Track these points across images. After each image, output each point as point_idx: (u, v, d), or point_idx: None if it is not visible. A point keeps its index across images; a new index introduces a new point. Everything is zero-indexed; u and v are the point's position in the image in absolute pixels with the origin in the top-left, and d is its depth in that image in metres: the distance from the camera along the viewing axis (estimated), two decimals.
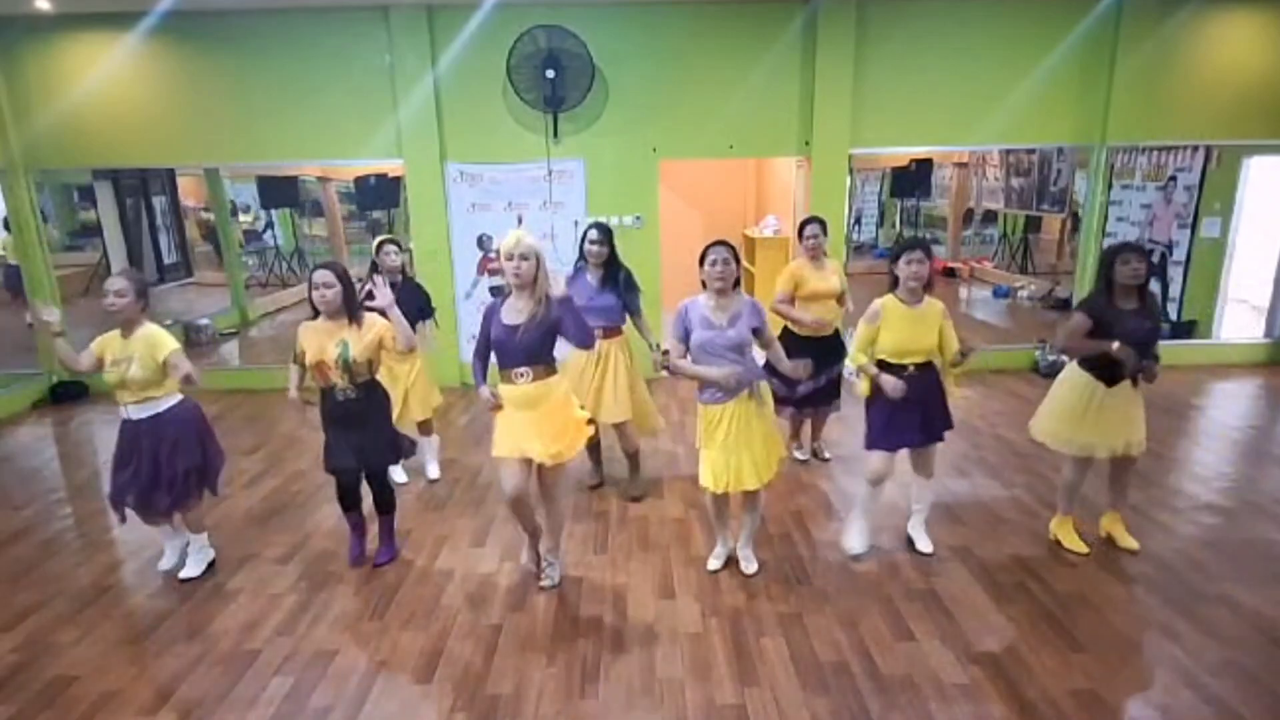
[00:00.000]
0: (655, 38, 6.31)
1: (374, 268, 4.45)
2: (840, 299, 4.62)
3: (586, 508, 4.36)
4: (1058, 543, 3.81)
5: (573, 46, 6.07)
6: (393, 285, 4.43)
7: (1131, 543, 3.75)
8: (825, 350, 4.54)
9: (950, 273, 11.00)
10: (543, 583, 3.55)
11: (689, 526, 4.15)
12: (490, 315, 3.33)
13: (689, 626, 3.25)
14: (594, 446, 4.51)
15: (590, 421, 3.59)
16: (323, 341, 3.44)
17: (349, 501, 3.72)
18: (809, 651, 3.07)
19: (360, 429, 3.54)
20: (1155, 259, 7.21)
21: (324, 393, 3.51)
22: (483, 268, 6.78)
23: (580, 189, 6.62)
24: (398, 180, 6.82)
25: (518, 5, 6.08)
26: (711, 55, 6.36)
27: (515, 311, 3.26)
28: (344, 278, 3.48)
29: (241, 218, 9.66)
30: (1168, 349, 7.21)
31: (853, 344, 3.59)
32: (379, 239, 4.51)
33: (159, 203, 8.71)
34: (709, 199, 9.58)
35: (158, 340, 3.41)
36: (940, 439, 3.66)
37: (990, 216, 10.74)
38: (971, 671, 2.92)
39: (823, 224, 4.54)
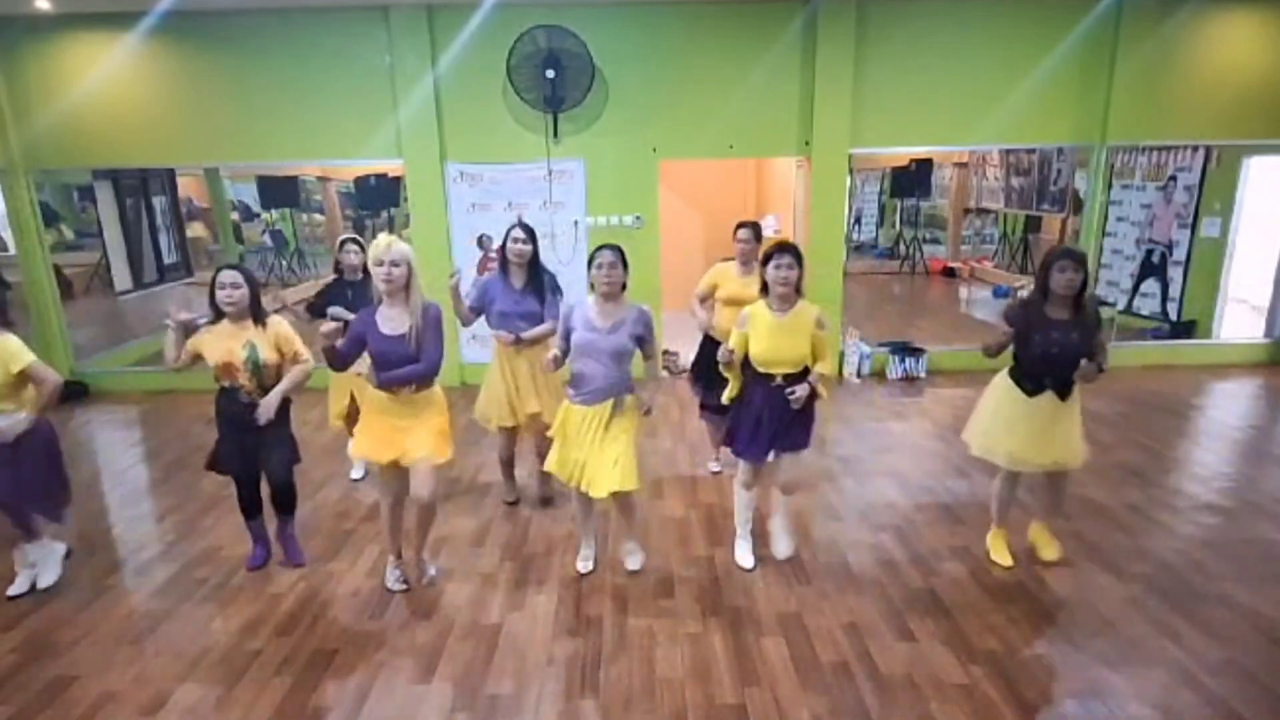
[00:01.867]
0: (655, 38, 6.31)
1: (337, 266, 4.48)
2: None
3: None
4: (987, 555, 3.72)
5: (573, 46, 6.07)
6: (353, 285, 4.43)
7: (1051, 554, 3.61)
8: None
9: (950, 272, 11.00)
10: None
11: (689, 526, 4.15)
12: (365, 326, 3.23)
13: (689, 626, 3.25)
14: (508, 461, 4.42)
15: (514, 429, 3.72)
16: (227, 344, 3.37)
17: (250, 507, 3.69)
18: (809, 651, 3.07)
19: (259, 432, 3.45)
20: (1155, 259, 7.23)
21: (225, 392, 3.46)
22: (483, 268, 6.78)
23: (580, 189, 6.62)
24: (398, 180, 6.82)
25: (518, 5, 6.08)
26: (711, 55, 6.36)
27: (391, 321, 3.20)
28: (251, 279, 3.42)
29: (265, 216, 9.66)
30: (1168, 349, 7.30)
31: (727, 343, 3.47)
32: (342, 237, 4.56)
33: (159, 203, 8.71)
34: (709, 199, 9.58)
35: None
36: (796, 449, 3.53)
37: (989, 215, 10.74)
38: (971, 671, 2.92)
39: (757, 230, 4.30)
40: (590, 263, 3.29)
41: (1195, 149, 6.73)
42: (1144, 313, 7.34)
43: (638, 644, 3.14)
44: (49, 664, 3.09)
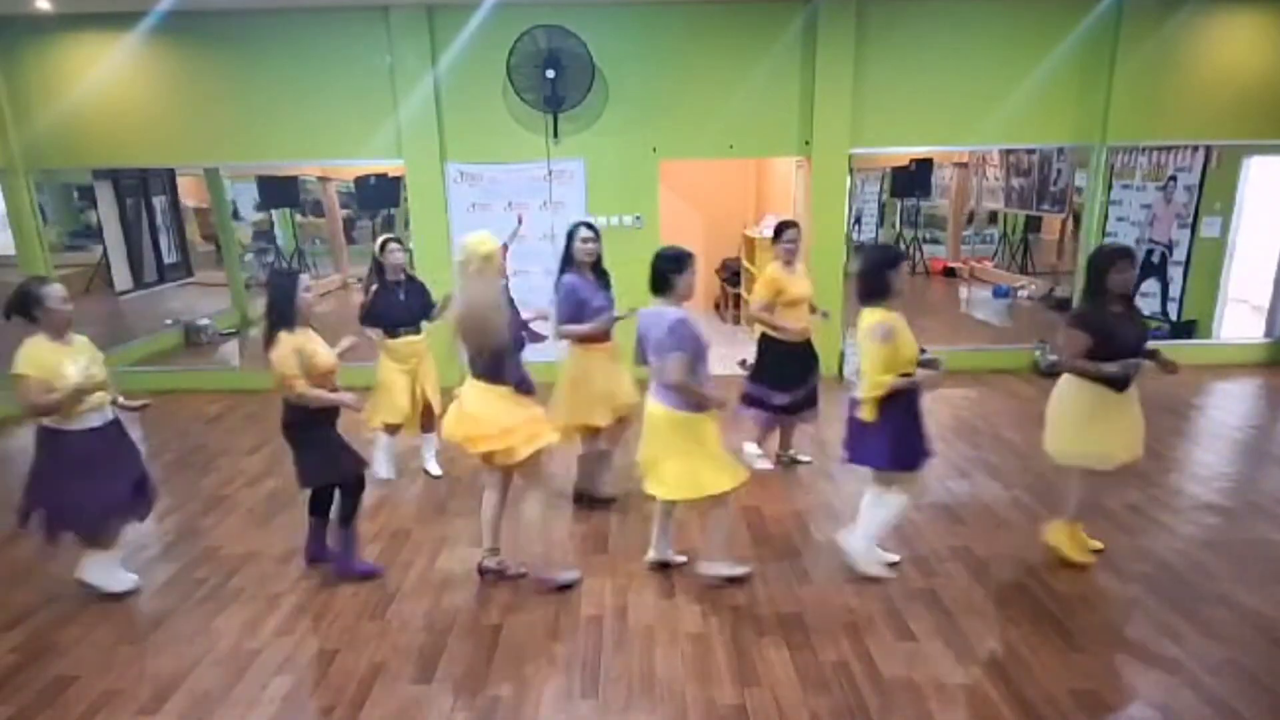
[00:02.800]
0: (655, 38, 6.31)
1: (378, 268, 4.46)
2: (812, 305, 4.60)
3: (587, 509, 4.35)
4: (1061, 556, 3.65)
5: (573, 46, 6.06)
6: (397, 284, 4.45)
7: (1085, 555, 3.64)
8: (806, 358, 4.56)
9: (950, 272, 11.01)
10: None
11: (689, 527, 4.14)
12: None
13: (689, 626, 3.25)
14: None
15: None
16: (316, 346, 3.39)
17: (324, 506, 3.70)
18: (809, 651, 3.07)
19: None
20: (1155, 259, 7.22)
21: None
22: None
23: (580, 189, 6.62)
24: (398, 180, 6.82)
25: (518, 5, 6.08)
26: (711, 55, 6.36)
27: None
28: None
29: (257, 217, 9.69)
30: (1168, 349, 7.21)
31: (873, 370, 3.18)
32: (382, 237, 4.50)
33: (159, 203, 8.72)
34: (709, 199, 9.57)
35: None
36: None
37: (990, 216, 10.76)
38: (971, 671, 2.92)
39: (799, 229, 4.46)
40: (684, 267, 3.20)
41: (1195, 149, 6.73)
42: (1144, 313, 7.31)
43: (638, 644, 3.14)
44: (49, 664, 3.09)
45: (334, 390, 3.41)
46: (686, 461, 3.23)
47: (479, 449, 3.32)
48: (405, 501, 4.52)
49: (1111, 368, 3.26)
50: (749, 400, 4.64)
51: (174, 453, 5.41)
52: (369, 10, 6.17)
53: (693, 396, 3.14)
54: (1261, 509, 4.20)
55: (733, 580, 3.52)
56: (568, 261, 4.00)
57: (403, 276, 4.47)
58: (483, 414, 3.28)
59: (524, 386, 3.35)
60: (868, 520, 3.50)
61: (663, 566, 3.66)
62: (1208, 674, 2.87)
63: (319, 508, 3.69)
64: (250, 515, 4.41)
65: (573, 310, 3.93)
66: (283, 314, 3.26)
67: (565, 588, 3.52)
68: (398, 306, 4.45)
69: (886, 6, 6.26)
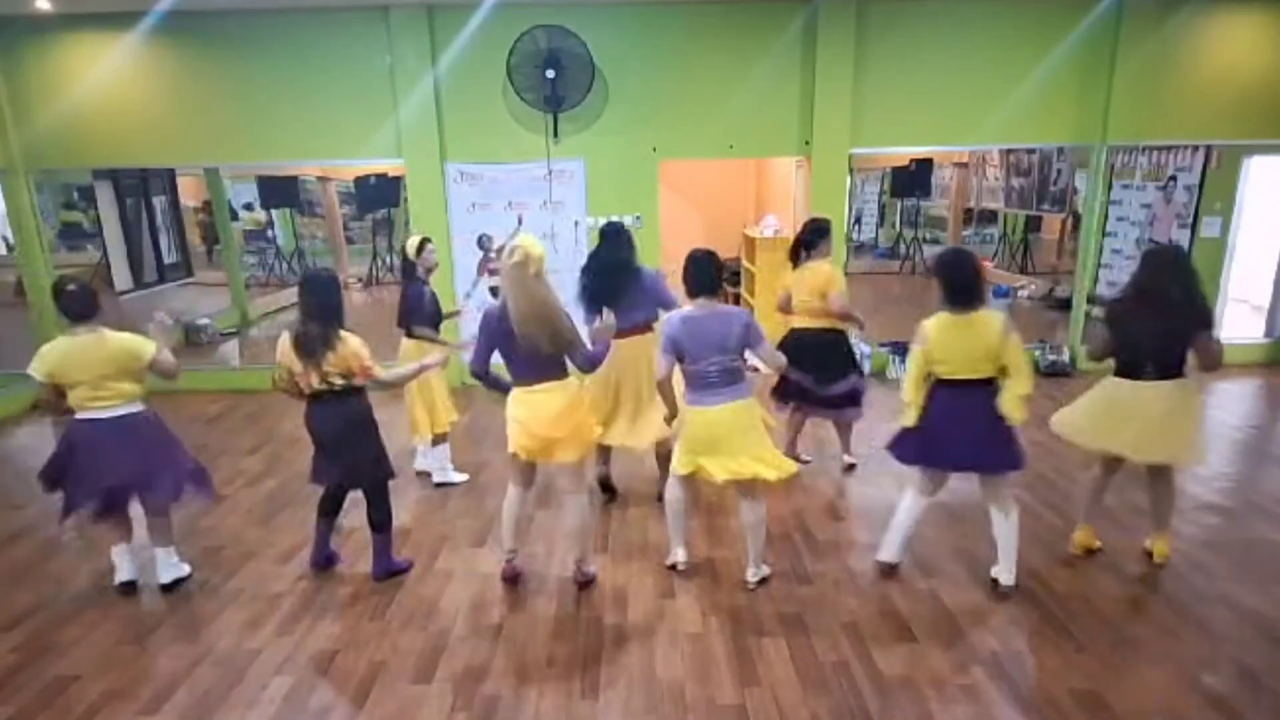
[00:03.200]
0: (655, 38, 6.31)
1: (409, 268, 4.35)
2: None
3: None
4: (1080, 549, 3.71)
5: (573, 46, 6.06)
6: (425, 285, 4.37)
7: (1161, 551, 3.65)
8: (831, 352, 4.54)
9: None
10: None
11: (689, 526, 4.14)
12: (497, 324, 3.29)
13: (689, 626, 3.25)
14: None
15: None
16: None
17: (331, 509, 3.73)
18: (809, 651, 3.07)
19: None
20: None
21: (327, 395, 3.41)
22: (483, 268, 6.78)
23: (580, 189, 6.62)
24: (398, 180, 6.82)
25: (518, 5, 6.08)
26: (711, 55, 6.36)
27: None
28: None
29: (251, 215, 9.67)
30: None
31: (1027, 365, 3.18)
32: (419, 237, 4.42)
33: (159, 203, 8.71)
34: (709, 199, 9.57)
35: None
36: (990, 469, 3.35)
37: (990, 216, 10.76)
38: (971, 671, 2.92)
39: None
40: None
41: (1195, 149, 6.72)
42: None
43: (638, 644, 3.14)
44: (49, 664, 3.09)
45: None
46: (758, 441, 3.32)
47: (561, 456, 3.37)
48: (405, 502, 4.52)
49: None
50: (786, 391, 4.63)
51: None
52: (369, 10, 6.17)
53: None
54: (1261, 509, 4.20)
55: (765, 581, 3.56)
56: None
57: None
58: (559, 417, 3.32)
59: (596, 362, 3.41)
60: (1009, 542, 3.40)
61: (671, 568, 3.68)
62: (1208, 674, 2.87)
63: (335, 508, 3.71)
64: (250, 515, 4.41)
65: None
66: (336, 313, 3.34)
67: (588, 583, 3.59)
68: (438, 313, 4.44)
69: (886, 7, 6.26)
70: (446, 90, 6.36)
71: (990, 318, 3.18)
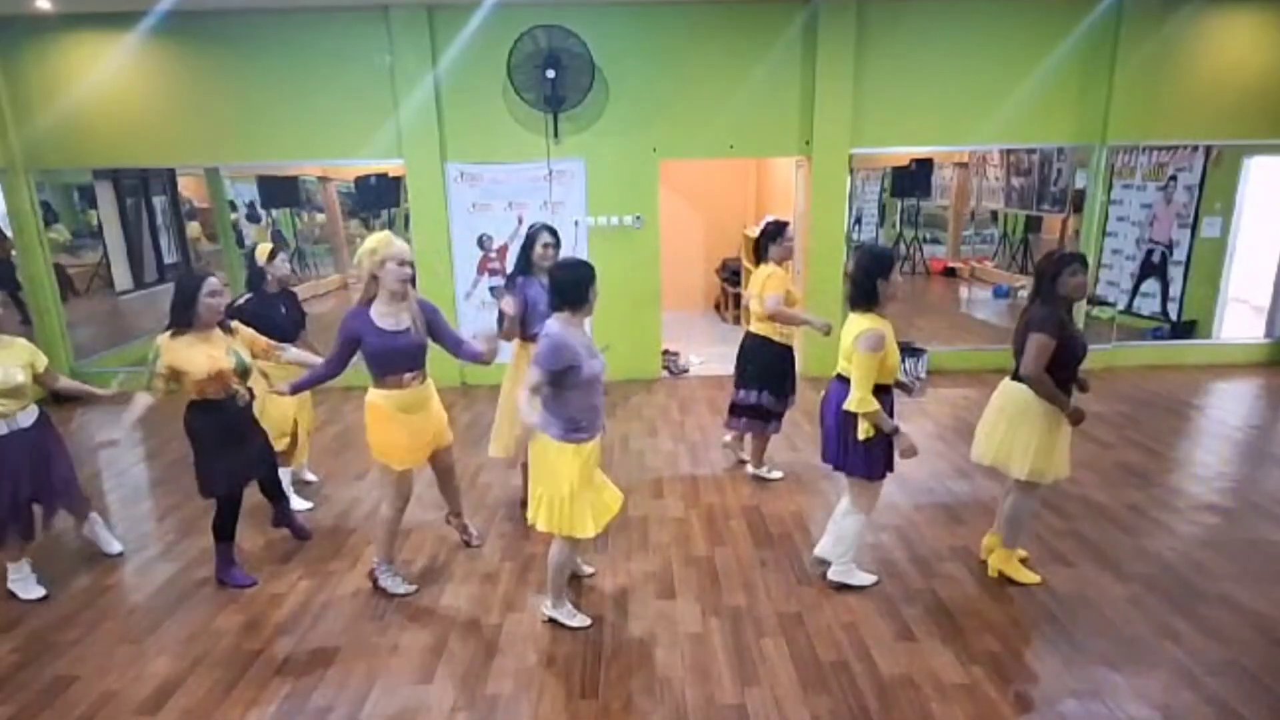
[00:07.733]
0: (655, 38, 6.31)
1: (257, 280, 4.14)
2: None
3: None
4: (1007, 580, 3.51)
5: (573, 46, 6.06)
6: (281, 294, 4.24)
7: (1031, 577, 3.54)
8: (792, 362, 4.54)
9: (950, 272, 11.00)
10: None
11: (689, 526, 4.15)
12: (363, 325, 3.21)
13: (689, 626, 3.25)
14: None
15: None
16: (208, 351, 3.28)
17: (234, 526, 3.60)
18: (809, 651, 3.07)
19: (255, 433, 3.58)
20: (1155, 259, 7.22)
21: (211, 405, 3.33)
22: (483, 268, 6.78)
23: (580, 189, 6.62)
24: (398, 180, 6.82)
25: (518, 5, 6.08)
26: (711, 55, 6.36)
27: (390, 317, 3.24)
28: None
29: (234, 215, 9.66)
30: (1168, 349, 7.30)
31: (863, 380, 3.08)
32: (272, 245, 4.19)
33: (159, 203, 8.71)
34: (709, 199, 9.58)
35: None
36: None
37: (989, 215, 10.74)
38: (971, 671, 2.92)
39: None
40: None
41: (1195, 149, 6.73)
42: (1144, 313, 7.34)
43: (638, 644, 3.14)
44: (49, 664, 3.09)
45: (230, 395, 3.38)
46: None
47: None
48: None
49: (1071, 405, 3.20)
50: (741, 410, 4.58)
51: (174, 453, 5.40)
52: (369, 10, 6.17)
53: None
54: (1261, 509, 4.20)
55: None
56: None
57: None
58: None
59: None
60: (841, 533, 3.42)
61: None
62: (1208, 674, 2.87)
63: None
64: (250, 515, 4.39)
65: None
66: (176, 315, 3.27)
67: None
68: (291, 319, 4.33)
69: (886, 7, 6.26)
70: (446, 90, 6.36)
71: (855, 322, 3.15)
